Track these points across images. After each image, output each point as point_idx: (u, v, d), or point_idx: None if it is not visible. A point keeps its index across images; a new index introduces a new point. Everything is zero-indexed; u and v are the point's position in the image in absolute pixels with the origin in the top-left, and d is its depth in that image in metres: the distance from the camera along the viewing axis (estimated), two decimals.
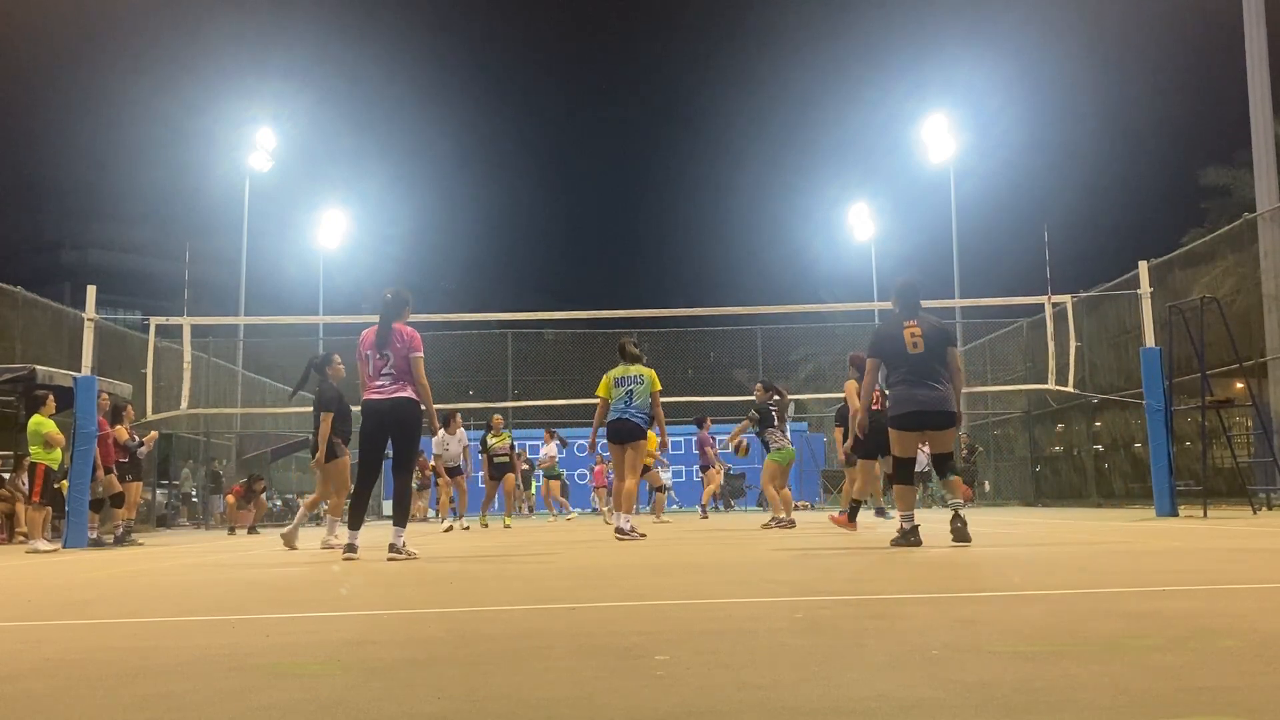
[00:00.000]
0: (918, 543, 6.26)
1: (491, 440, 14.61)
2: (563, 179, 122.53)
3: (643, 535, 8.80)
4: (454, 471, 14.52)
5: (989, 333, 22.91)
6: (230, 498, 15.64)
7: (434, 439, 13.75)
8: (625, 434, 8.79)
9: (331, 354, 8.99)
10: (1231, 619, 2.77)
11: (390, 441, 6.69)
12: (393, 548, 6.49)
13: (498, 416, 15.22)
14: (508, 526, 14.23)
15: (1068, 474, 19.91)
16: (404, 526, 6.65)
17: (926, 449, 23.63)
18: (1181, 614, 2.88)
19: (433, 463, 15.65)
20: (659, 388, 9.00)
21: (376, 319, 6.86)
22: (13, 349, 14.64)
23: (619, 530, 8.64)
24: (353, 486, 7.76)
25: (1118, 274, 16.43)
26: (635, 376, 8.91)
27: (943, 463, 6.72)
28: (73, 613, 3.99)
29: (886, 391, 6.92)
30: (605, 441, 8.92)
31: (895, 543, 6.38)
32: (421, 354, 6.70)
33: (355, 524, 6.75)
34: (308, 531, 10.48)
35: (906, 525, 6.36)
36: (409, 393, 6.60)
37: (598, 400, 9.00)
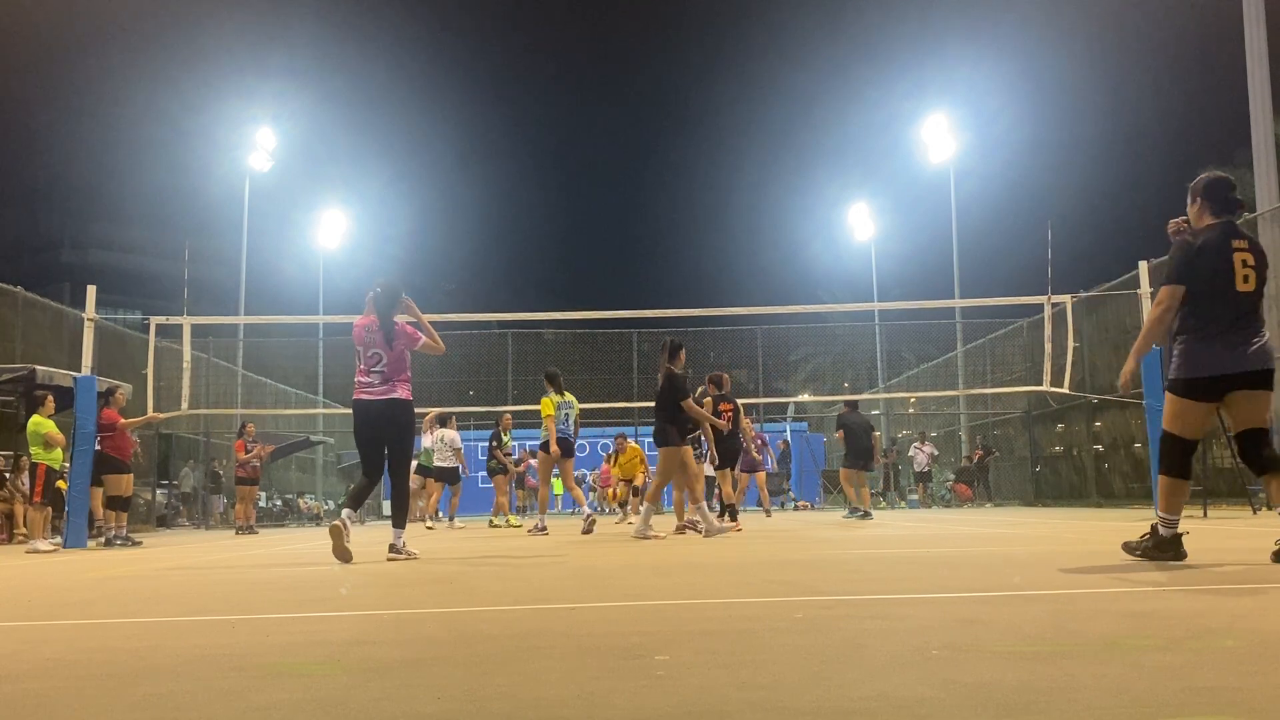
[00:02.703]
0: (1179, 555, 4.70)
1: (505, 439, 14.76)
2: (563, 178, 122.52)
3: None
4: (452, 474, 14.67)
5: (989, 333, 22.92)
6: (239, 452, 15.55)
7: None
8: (568, 449, 10.86)
9: (680, 343, 9.21)
10: (1231, 619, 2.77)
11: (386, 443, 6.64)
12: (393, 548, 6.48)
13: (507, 416, 15.34)
14: (496, 525, 14.18)
15: (1068, 474, 19.90)
16: (403, 527, 6.64)
17: (926, 448, 23.47)
18: (1181, 614, 2.88)
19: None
20: (577, 409, 11.20)
21: (378, 318, 6.75)
22: (13, 349, 14.64)
23: (585, 524, 9.93)
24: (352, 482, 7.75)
25: (1118, 274, 16.43)
26: (569, 402, 10.91)
27: (1259, 446, 4.68)
28: (73, 613, 3.99)
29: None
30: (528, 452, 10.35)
31: (1144, 551, 4.80)
32: (420, 338, 6.73)
33: (354, 504, 6.69)
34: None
35: (1165, 531, 4.76)
36: (400, 393, 6.55)
37: (546, 417, 10.82)
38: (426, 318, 7.08)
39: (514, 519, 14.74)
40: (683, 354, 9.26)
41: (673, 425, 8.78)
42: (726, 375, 11.30)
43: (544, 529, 10.70)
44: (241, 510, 15.42)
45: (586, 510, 10.79)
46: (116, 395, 11.78)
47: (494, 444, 15.22)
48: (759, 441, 16.00)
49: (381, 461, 6.70)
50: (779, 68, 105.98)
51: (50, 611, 4.07)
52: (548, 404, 10.78)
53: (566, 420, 10.82)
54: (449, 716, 1.83)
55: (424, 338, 6.74)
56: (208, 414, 19.81)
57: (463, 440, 15.69)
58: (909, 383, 28.11)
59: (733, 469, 11.17)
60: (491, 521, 14.52)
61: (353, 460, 24.73)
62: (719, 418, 10.68)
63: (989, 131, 45.46)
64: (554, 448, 10.35)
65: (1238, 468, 12.41)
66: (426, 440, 16.82)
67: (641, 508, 8.89)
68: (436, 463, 15.27)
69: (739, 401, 11.62)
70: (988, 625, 2.73)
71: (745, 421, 12.87)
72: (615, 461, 15.72)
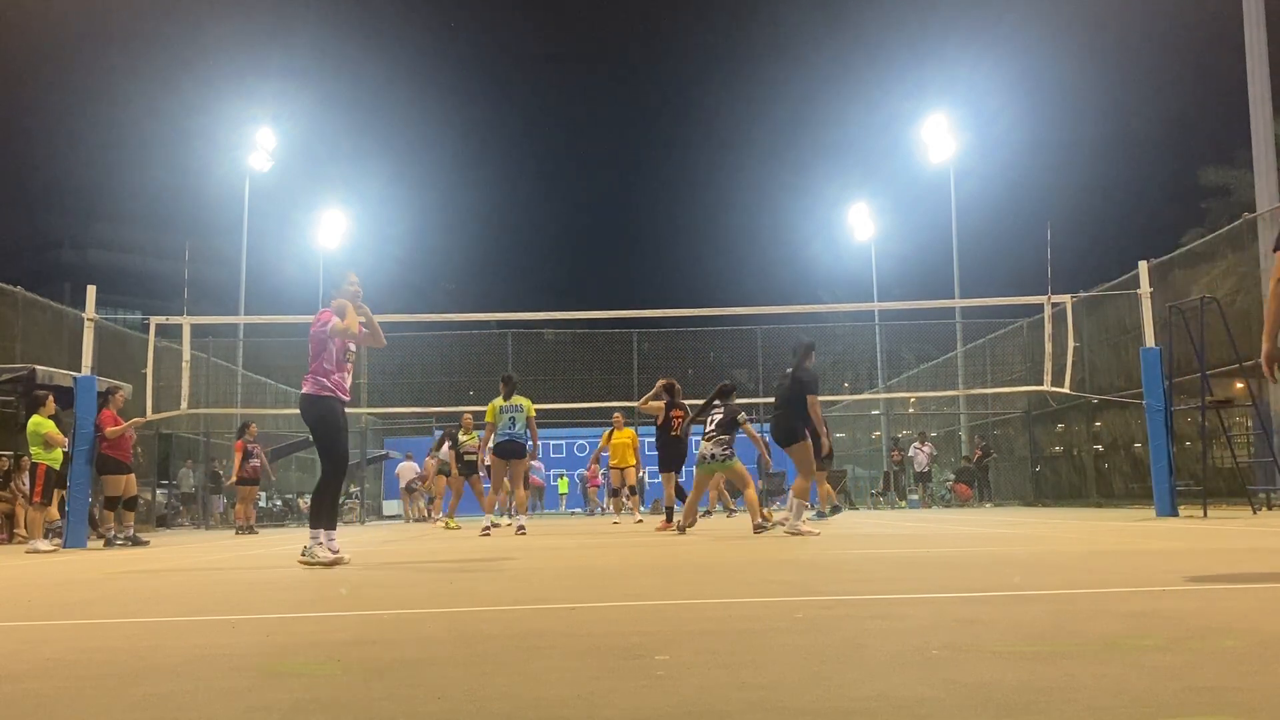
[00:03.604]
0: None
1: (462, 438, 14.65)
2: (563, 178, 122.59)
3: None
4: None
5: (989, 333, 22.91)
6: (238, 453, 15.50)
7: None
8: (511, 452, 10.94)
9: (813, 344, 9.29)
10: (1231, 619, 2.77)
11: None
12: (304, 550, 6.13)
13: (468, 415, 15.22)
14: (453, 529, 13.96)
15: (1068, 474, 19.90)
16: (320, 529, 6.16)
17: (926, 448, 23.59)
18: (1181, 614, 2.88)
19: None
20: (533, 414, 11.17)
21: (375, 319, 6.75)
22: (13, 349, 14.63)
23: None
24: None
25: (1118, 274, 16.45)
26: (516, 405, 11.03)
27: None
28: (73, 613, 3.99)
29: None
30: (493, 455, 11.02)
31: None
32: (332, 323, 6.28)
33: (329, 523, 6.30)
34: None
35: None
36: (305, 388, 6.32)
37: (487, 424, 11.12)
38: (428, 317, 7.05)
39: (452, 522, 14.39)
40: (813, 355, 9.32)
41: (801, 422, 8.83)
42: (674, 384, 11.98)
43: (522, 529, 10.97)
44: (242, 510, 15.42)
45: (506, 520, 11.17)
46: (116, 396, 11.77)
47: (450, 445, 15.13)
48: None
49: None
50: (779, 67, 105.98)
51: (50, 611, 4.07)
52: (490, 409, 11.12)
53: (512, 424, 11.02)
54: (449, 716, 1.83)
55: (335, 319, 6.29)
56: (208, 414, 19.80)
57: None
58: (909, 383, 28.09)
59: (677, 472, 11.73)
60: (492, 523, 14.42)
61: (351, 460, 24.69)
62: (670, 424, 11.54)
63: (989, 131, 45.48)
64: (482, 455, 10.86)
65: (1237, 467, 12.41)
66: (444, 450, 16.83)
67: (794, 504, 8.83)
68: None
69: (688, 404, 12.13)
70: (988, 625, 2.73)
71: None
72: (609, 439, 15.63)
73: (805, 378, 8.91)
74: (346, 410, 6.50)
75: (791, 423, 8.85)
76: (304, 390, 6.38)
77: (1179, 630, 2.56)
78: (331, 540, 6.24)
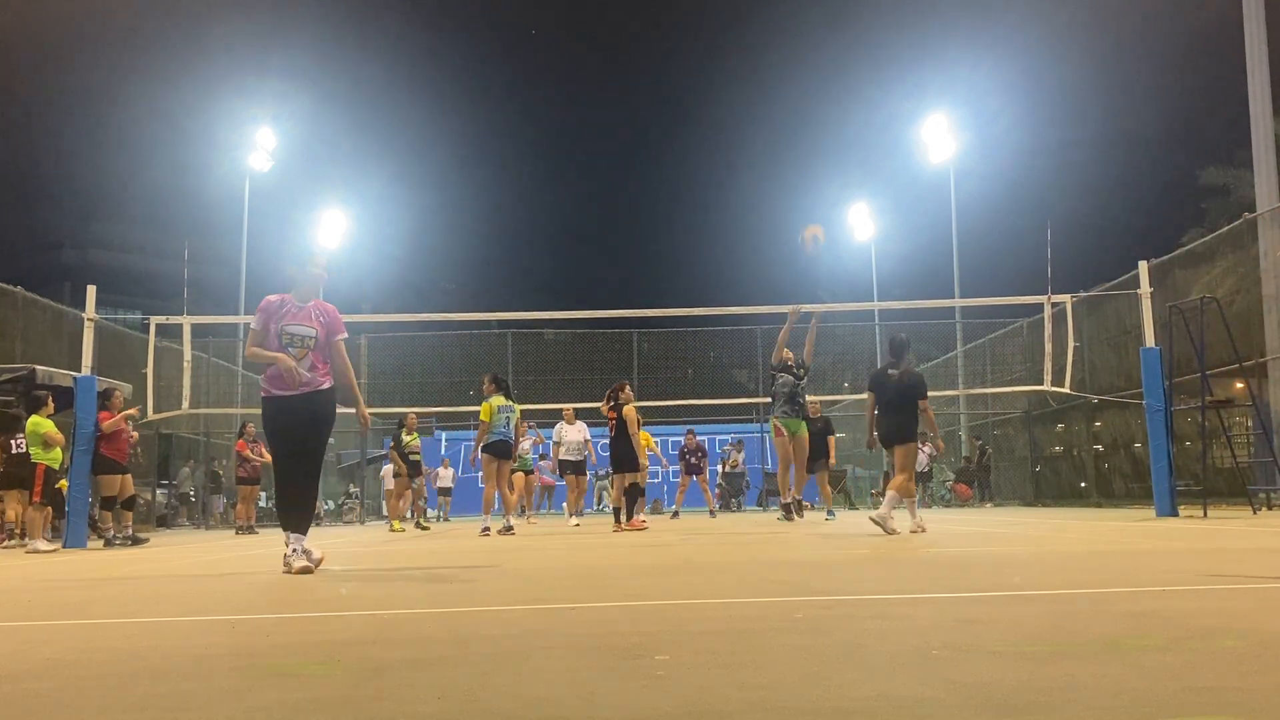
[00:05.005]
0: None
1: (405, 439, 14.61)
2: (563, 178, 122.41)
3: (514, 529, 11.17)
4: (576, 467, 14.82)
5: (989, 333, 22.91)
6: (242, 450, 15.42)
7: (555, 429, 14.95)
8: (504, 452, 11.32)
9: (908, 340, 9.41)
10: (1231, 619, 2.77)
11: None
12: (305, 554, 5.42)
13: (412, 415, 15.16)
14: (398, 530, 13.78)
15: (1068, 474, 19.90)
16: (292, 534, 5.49)
17: (927, 449, 23.58)
18: (1181, 614, 2.88)
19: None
20: (519, 415, 11.98)
21: (375, 319, 6.72)
22: (13, 349, 14.62)
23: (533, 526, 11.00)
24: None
25: (1118, 274, 16.43)
26: (509, 406, 11.36)
27: None
28: (73, 613, 3.99)
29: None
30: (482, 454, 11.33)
31: None
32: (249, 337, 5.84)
33: (294, 528, 5.57)
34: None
35: None
36: None
37: (481, 423, 11.32)
38: (427, 317, 7.00)
39: (398, 524, 14.21)
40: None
41: (915, 423, 8.89)
42: (618, 387, 12.19)
43: (509, 529, 11.14)
44: (242, 510, 15.40)
45: (510, 520, 11.54)
46: (114, 396, 11.75)
47: (394, 445, 15.03)
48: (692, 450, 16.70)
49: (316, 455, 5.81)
50: (779, 67, 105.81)
51: (50, 611, 4.07)
52: (486, 409, 11.24)
53: (507, 424, 11.24)
54: (449, 716, 1.83)
55: (252, 326, 5.87)
56: (208, 414, 19.79)
57: (449, 440, 15.54)
58: None
59: (624, 475, 11.78)
60: (392, 526, 14.28)
61: (352, 460, 24.71)
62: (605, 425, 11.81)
63: (989, 131, 45.29)
64: (475, 454, 11.47)
65: (1237, 467, 12.41)
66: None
67: (885, 497, 8.84)
68: (562, 456, 15.02)
69: (627, 407, 12.17)
70: (988, 625, 2.73)
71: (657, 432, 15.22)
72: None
73: (919, 381, 9.04)
74: (326, 407, 5.66)
75: (910, 423, 8.91)
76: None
77: (1179, 630, 2.56)
78: (300, 542, 5.48)
